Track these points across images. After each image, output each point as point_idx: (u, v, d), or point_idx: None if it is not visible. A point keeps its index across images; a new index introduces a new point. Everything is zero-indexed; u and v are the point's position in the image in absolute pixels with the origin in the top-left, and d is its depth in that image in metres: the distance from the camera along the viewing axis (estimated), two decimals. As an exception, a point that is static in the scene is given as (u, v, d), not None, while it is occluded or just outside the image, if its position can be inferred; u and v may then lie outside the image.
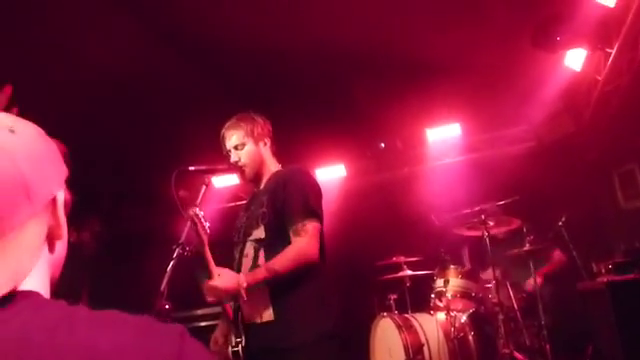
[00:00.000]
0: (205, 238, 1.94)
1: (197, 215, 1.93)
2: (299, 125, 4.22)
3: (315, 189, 2.08)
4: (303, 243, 1.92)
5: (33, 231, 0.66)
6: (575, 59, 4.04)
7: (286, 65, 4.23)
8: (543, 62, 4.18)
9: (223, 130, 2.22)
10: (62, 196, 0.72)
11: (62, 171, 0.73)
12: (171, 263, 1.83)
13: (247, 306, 2.00)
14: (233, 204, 5.75)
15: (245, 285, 1.85)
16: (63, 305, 0.66)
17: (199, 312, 5.10)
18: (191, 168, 2.05)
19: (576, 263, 3.91)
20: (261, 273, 1.90)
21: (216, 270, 1.90)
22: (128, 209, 5.31)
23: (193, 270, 1.98)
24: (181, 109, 4.56)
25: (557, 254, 4.24)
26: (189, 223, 1.91)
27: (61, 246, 0.74)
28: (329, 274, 2.10)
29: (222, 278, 1.87)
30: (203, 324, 5.06)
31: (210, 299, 1.89)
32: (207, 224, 1.96)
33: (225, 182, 5.62)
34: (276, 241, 1.98)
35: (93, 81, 3.83)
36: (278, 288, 1.95)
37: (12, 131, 0.66)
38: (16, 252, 0.64)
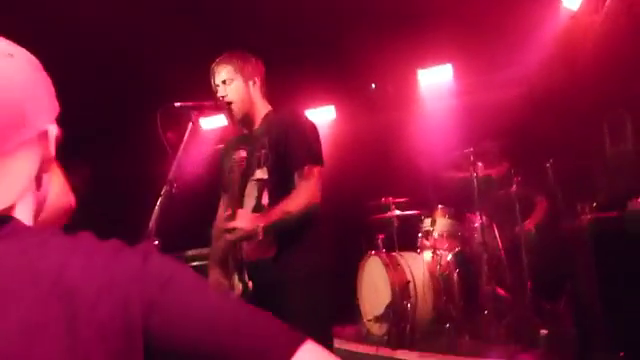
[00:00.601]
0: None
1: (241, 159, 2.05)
2: (289, 67, 4.11)
3: (317, 133, 2.14)
4: (309, 186, 2.00)
5: (23, 160, 0.65)
6: (572, -2, 3.93)
7: (275, 6, 4.07)
8: (540, 2, 4.06)
9: (213, 64, 2.17)
10: (54, 130, 0.71)
11: (55, 106, 0.72)
12: (159, 200, 1.82)
13: (250, 244, 2.05)
14: (222, 146, 5.72)
15: (262, 225, 1.91)
16: (40, 232, 0.66)
17: (190, 253, 5.18)
18: (177, 104, 2.00)
19: (559, 205, 3.99)
20: (276, 214, 1.97)
21: (239, 212, 1.99)
22: (117, 152, 5.26)
23: (182, 209, 2.00)
24: (167, 52, 4.41)
25: (542, 201, 4.31)
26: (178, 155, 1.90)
27: (48, 181, 0.72)
28: (326, 218, 2.17)
29: (241, 220, 1.94)
30: (194, 264, 5.15)
31: (229, 238, 1.96)
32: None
33: (213, 124, 5.54)
34: (279, 182, 2.05)
35: (76, 25, 3.68)
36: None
37: (11, 55, 0.66)
38: (5, 178, 0.63)
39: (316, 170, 2.04)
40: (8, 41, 0.69)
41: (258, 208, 2.08)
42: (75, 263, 0.60)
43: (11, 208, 0.65)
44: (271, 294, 1.95)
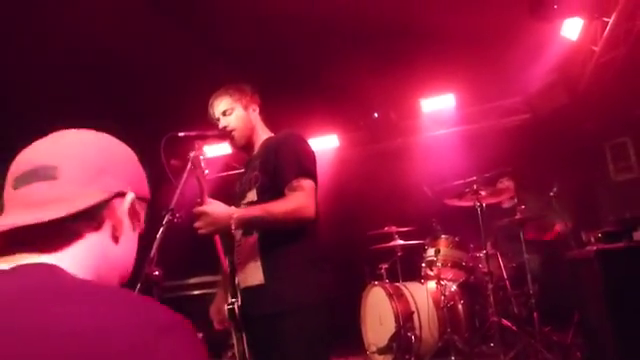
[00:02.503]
0: (206, 185, 1.90)
1: (198, 158, 1.89)
2: (293, 94, 4.16)
3: (308, 151, 2.05)
4: (300, 197, 1.89)
5: (94, 200, 0.75)
6: (571, 28, 3.99)
7: (280, 34, 4.15)
8: (540, 32, 4.12)
9: (211, 99, 2.19)
10: (131, 198, 0.81)
11: (139, 177, 0.85)
12: (161, 229, 1.81)
13: (240, 268, 1.99)
14: (225, 174, 5.73)
15: (236, 216, 1.80)
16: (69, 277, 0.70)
17: (192, 281, 5.13)
18: (180, 134, 2.01)
19: (566, 233, 3.95)
20: (254, 210, 1.87)
21: (209, 200, 1.86)
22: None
23: (184, 238, 1.95)
24: (171, 77, 4.48)
25: (558, 226, 4.28)
26: (183, 180, 1.87)
27: (125, 242, 0.82)
28: (321, 238, 2.05)
29: (213, 205, 1.84)
30: (196, 292, 5.09)
31: (199, 227, 1.81)
32: (206, 171, 1.93)
33: (216, 152, 5.57)
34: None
35: (82, 49, 3.75)
36: (268, 248, 1.93)
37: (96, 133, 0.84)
38: (74, 202, 0.73)
39: (305, 183, 1.92)
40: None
41: (247, 232, 2.00)
42: (89, 320, 0.62)
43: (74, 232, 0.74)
44: (264, 327, 1.89)
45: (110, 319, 0.62)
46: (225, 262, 2.09)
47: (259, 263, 1.94)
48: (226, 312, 1.97)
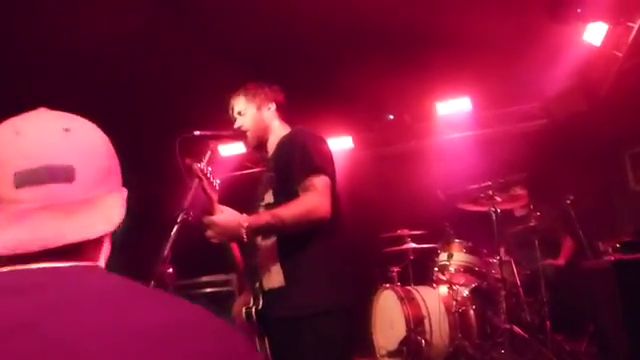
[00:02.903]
0: (214, 195, 1.91)
1: (203, 170, 1.88)
2: (307, 96, 4.14)
3: (319, 145, 2.01)
4: (312, 197, 1.85)
5: (115, 199, 0.78)
6: (595, 33, 3.91)
7: (295, 34, 4.14)
8: (560, 36, 4.05)
9: (230, 98, 2.21)
10: (125, 195, 0.81)
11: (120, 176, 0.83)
12: (174, 228, 1.82)
13: (263, 271, 1.98)
14: (239, 173, 5.75)
15: (246, 225, 1.78)
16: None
17: (204, 279, 5.16)
18: (196, 133, 2.02)
19: (582, 242, 3.89)
20: (265, 216, 1.84)
21: (219, 208, 1.87)
22: (133, 178, 5.31)
23: (198, 237, 1.95)
24: (185, 77, 4.50)
25: (568, 240, 4.23)
26: (195, 183, 1.88)
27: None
28: (343, 238, 2.00)
29: (223, 215, 1.84)
30: (208, 290, 5.12)
31: (211, 237, 1.81)
32: (217, 181, 1.93)
33: (231, 151, 5.60)
34: (285, 203, 1.91)
35: (91, 48, 3.78)
36: (287, 251, 1.92)
37: (94, 128, 0.80)
38: (104, 210, 0.75)
39: (319, 180, 1.88)
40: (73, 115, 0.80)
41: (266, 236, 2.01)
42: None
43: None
44: (284, 331, 1.89)
45: (187, 314, 0.66)
46: (242, 264, 2.10)
47: (279, 266, 1.93)
48: (244, 314, 1.98)
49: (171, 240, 1.81)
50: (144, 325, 0.62)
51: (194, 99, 4.33)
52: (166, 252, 1.80)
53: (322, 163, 1.95)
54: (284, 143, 2.09)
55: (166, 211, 2.02)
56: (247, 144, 2.20)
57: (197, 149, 2.13)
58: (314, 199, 1.85)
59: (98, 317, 0.61)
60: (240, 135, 2.17)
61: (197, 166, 1.89)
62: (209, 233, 1.81)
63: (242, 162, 5.77)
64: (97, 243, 0.75)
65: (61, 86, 4.06)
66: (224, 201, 2.03)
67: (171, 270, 1.81)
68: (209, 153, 2.02)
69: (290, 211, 1.83)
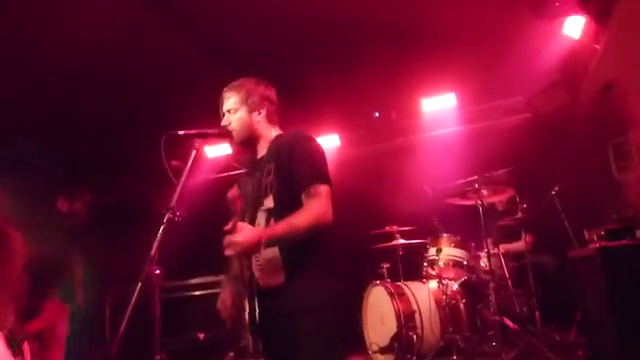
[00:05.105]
0: (237, 219, 1.99)
1: (232, 198, 1.99)
2: (293, 94, 4.14)
3: (321, 153, 2.06)
4: (319, 205, 1.91)
5: None
6: (574, 27, 3.97)
7: (281, 33, 4.14)
8: (542, 30, 4.10)
9: (224, 90, 2.18)
10: None
11: None
12: (161, 227, 1.80)
13: (260, 271, 2.00)
14: (226, 174, 5.73)
15: (265, 239, 1.82)
16: None
17: (193, 281, 5.12)
18: (180, 132, 2.00)
19: (567, 232, 3.93)
20: (280, 227, 1.88)
21: (239, 224, 1.89)
22: (119, 179, 5.27)
23: (185, 237, 1.95)
24: (172, 78, 4.48)
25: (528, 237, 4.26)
26: (181, 182, 1.88)
27: None
28: (335, 236, 2.07)
29: (243, 232, 1.85)
30: (197, 293, 5.09)
31: (229, 253, 1.84)
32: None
33: (217, 152, 5.58)
34: (285, 210, 1.95)
35: (81, 50, 3.75)
36: (291, 253, 1.95)
37: None
38: None
39: (323, 189, 1.94)
40: None
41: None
42: None
43: None
44: (282, 326, 1.90)
45: None
46: (236, 262, 2.10)
47: (280, 264, 1.95)
48: (247, 319, 1.99)
49: (158, 240, 1.80)
50: None
51: (181, 98, 4.30)
52: (153, 252, 1.79)
53: (326, 171, 2.01)
54: (281, 147, 2.08)
55: (154, 210, 2.01)
56: (232, 144, 2.19)
57: (183, 151, 2.12)
58: (321, 206, 1.91)
59: None
60: (226, 134, 2.15)
61: (229, 195, 1.97)
62: (229, 251, 1.84)
63: (228, 163, 5.75)
64: None
65: (50, 86, 4.03)
66: (209, 202, 2.03)
67: (159, 271, 1.80)
68: (194, 152, 2.00)
69: (302, 219, 1.88)
